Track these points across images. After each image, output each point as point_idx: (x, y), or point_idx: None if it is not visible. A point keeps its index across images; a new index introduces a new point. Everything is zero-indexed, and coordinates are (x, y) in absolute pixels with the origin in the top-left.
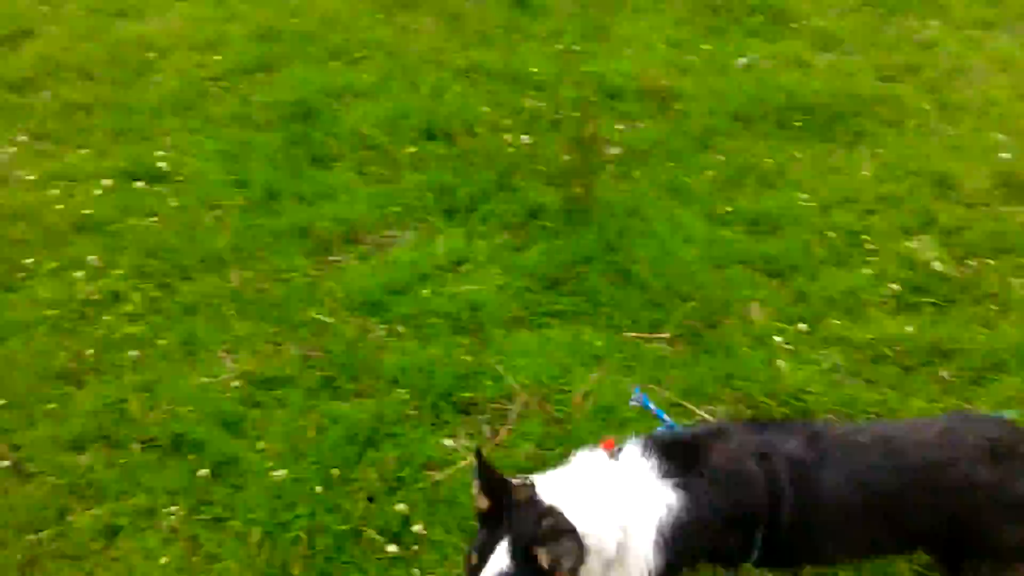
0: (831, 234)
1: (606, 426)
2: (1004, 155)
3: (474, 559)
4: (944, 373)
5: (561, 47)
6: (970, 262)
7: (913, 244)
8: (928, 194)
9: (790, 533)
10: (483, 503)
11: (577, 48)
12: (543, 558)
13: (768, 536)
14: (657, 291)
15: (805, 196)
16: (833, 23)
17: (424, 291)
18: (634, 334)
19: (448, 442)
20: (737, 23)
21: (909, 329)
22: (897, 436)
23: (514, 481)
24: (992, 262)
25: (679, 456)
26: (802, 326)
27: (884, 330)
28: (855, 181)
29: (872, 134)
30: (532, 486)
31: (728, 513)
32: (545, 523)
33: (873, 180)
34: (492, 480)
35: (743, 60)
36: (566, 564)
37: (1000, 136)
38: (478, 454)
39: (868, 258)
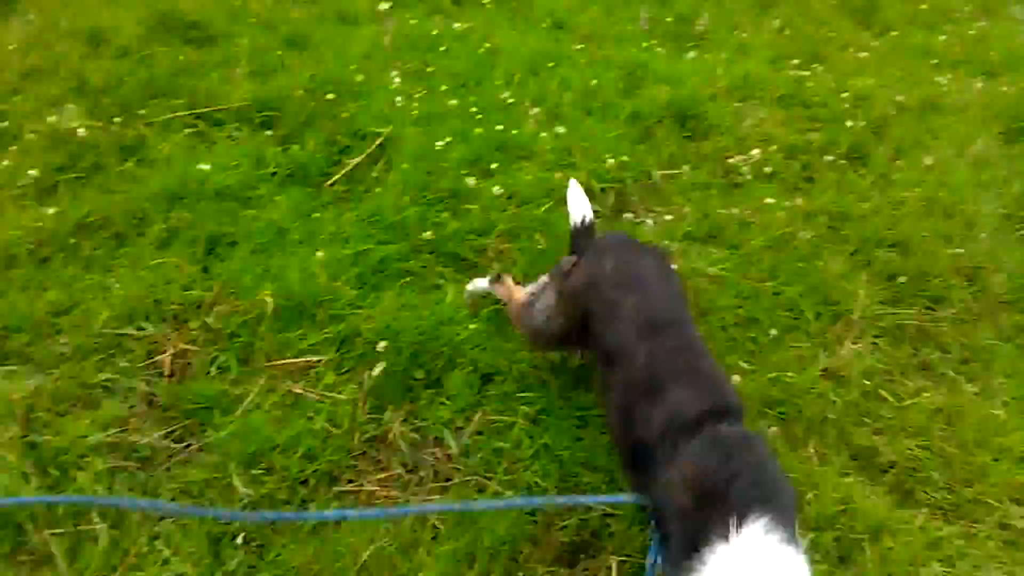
0: None
1: None
2: None
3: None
4: (84, 249)
5: None
6: (117, 119)
7: (54, 117)
8: (79, 55)
9: None
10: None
11: None
12: None
13: None
14: None
15: None
16: None
17: None
18: None
19: None
20: None
21: (55, 212)
22: None
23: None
24: (142, 112)
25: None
26: None
27: (19, 224)
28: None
29: None
30: None
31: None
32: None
33: (18, 53)
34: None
35: None
36: None
37: None
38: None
39: (10, 147)
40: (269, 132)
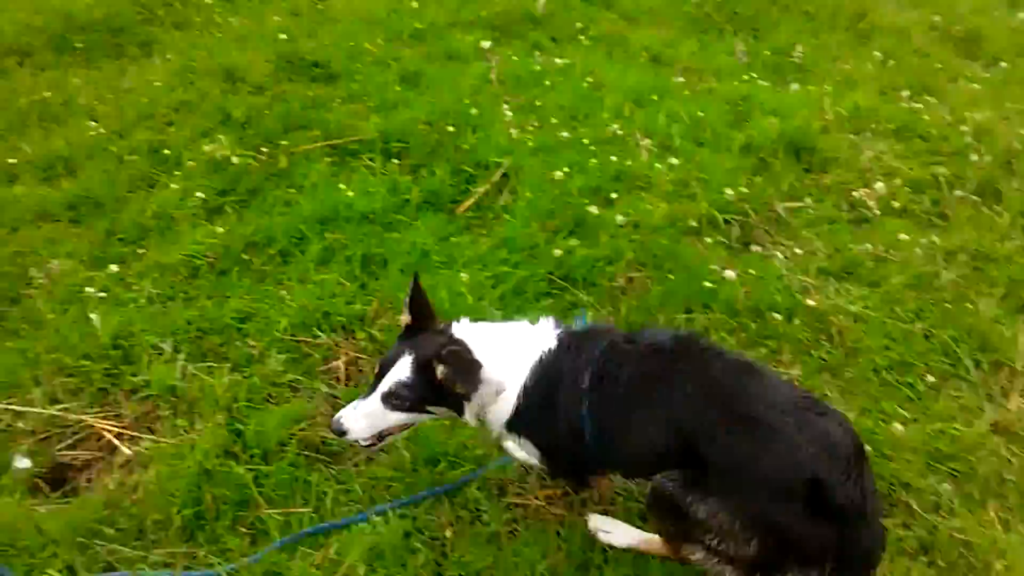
0: (133, 158)
1: None
2: (283, 36)
3: (377, 369)
4: (255, 264)
5: None
6: (264, 148)
7: (209, 147)
8: (219, 91)
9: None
10: (406, 318)
11: None
12: (439, 372)
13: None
14: None
15: (96, 124)
16: None
17: None
18: None
19: None
20: None
21: (225, 231)
22: None
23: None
24: (284, 142)
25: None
26: (114, 267)
27: (196, 241)
28: (149, 95)
29: (161, 42)
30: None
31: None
32: (450, 348)
33: (166, 89)
34: (420, 302)
35: None
36: (460, 386)
37: (279, 18)
38: (415, 277)
39: (174, 172)
40: (398, 161)
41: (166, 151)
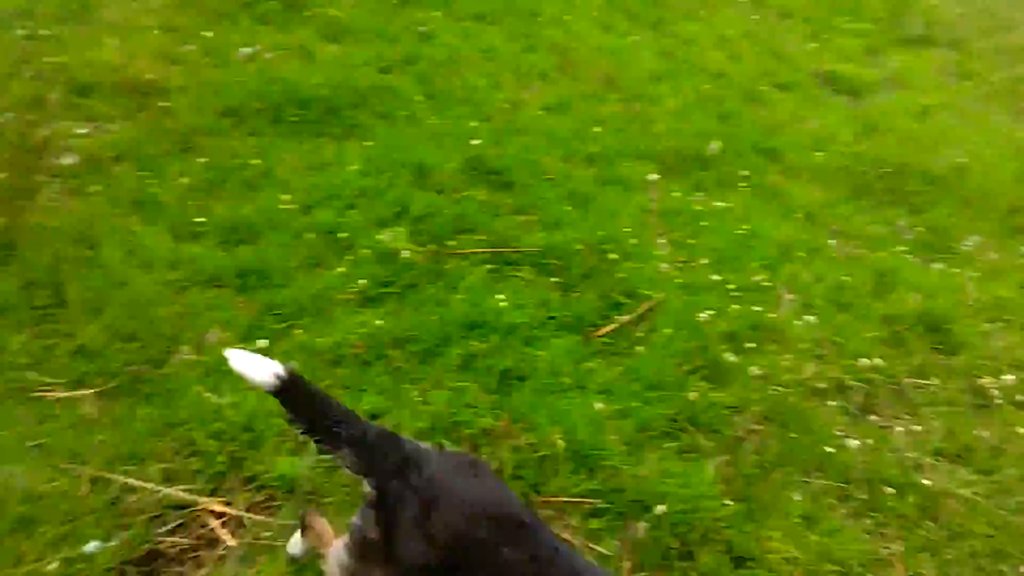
0: (310, 235)
1: None
2: (476, 141)
3: None
4: (397, 360)
5: (24, 32)
6: (432, 246)
7: (384, 236)
8: (406, 183)
9: None
10: None
11: (45, 33)
12: None
13: None
14: (95, 335)
15: (288, 197)
16: (346, 12)
17: None
18: (44, 393)
19: None
20: (247, 8)
21: (379, 323)
22: None
23: None
24: (451, 243)
25: None
26: (262, 343)
27: (348, 329)
28: (341, 176)
29: (364, 127)
30: None
31: None
32: None
33: (357, 174)
34: None
35: (246, 50)
36: None
37: (474, 123)
38: None
39: (345, 256)
40: (555, 279)
41: (342, 234)
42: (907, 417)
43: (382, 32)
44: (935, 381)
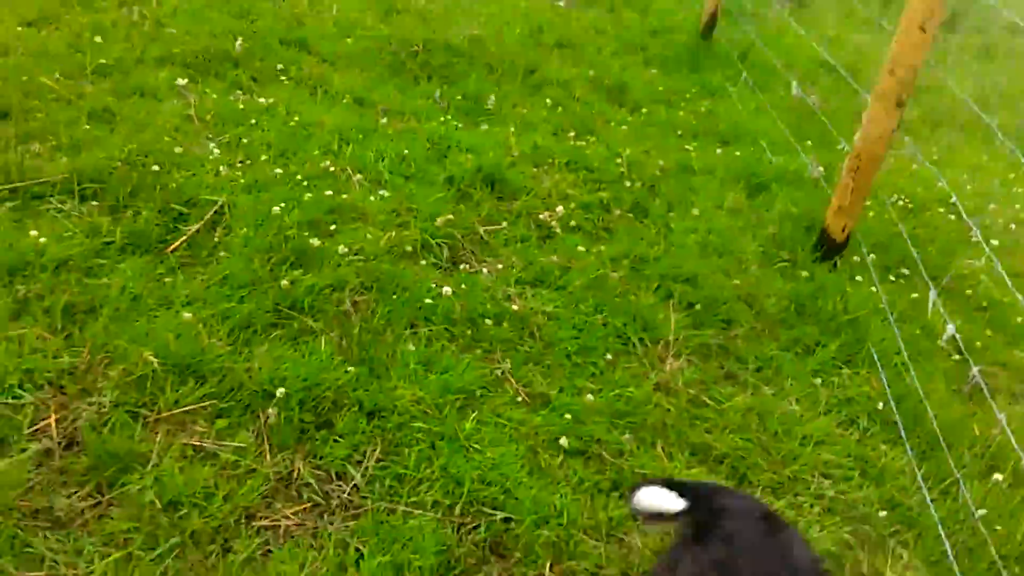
0: None
1: None
2: None
3: None
4: None
5: None
6: None
7: None
8: None
9: None
10: None
11: None
12: None
13: None
14: None
15: None
16: None
17: None
18: None
19: None
20: None
21: None
22: None
23: None
24: None
25: None
26: None
27: None
28: None
29: None
30: None
31: None
32: None
33: None
34: None
35: None
36: None
37: None
38: None
39: None
40: (96, 203)
41: None
42: (489, 259)
43: None
44: (504, 225)
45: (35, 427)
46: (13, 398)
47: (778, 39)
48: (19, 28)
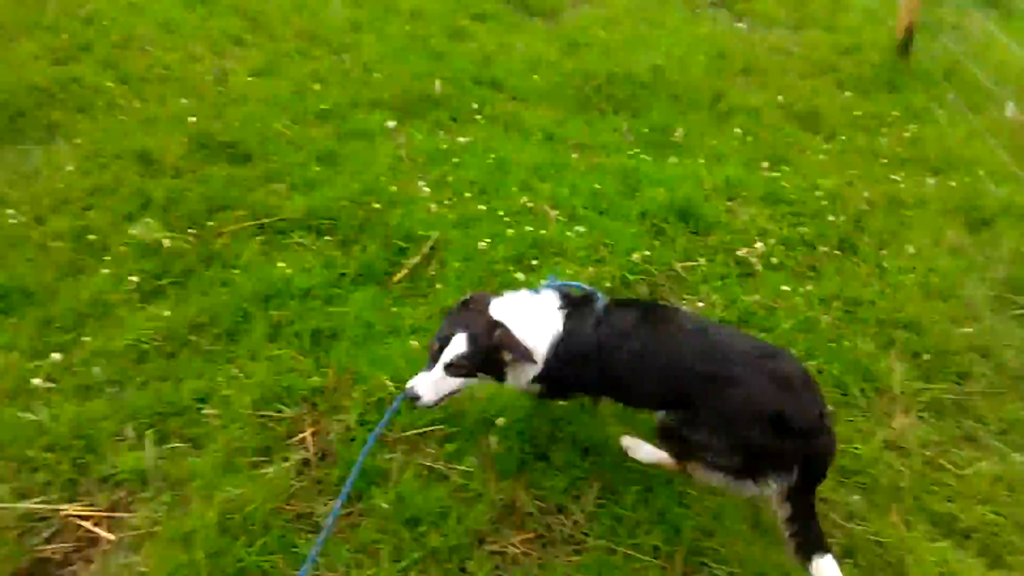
0: (56, 244)
1: None
2: (192, 118)
3: (436, 345)
4: (202, 344)
5: None
6: (193, 231)
7: (136, 230)
8: (135, 174)
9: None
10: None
11: None
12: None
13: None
14: None
15: (12, 211)
16: None
17: None
18: None
19: None
20: None
21: (167, 314)
22: None
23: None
24: (211, 224)
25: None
26: (57, 356)
27: (138, 326)
28: (61, 180)
29: (64, 125)
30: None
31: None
32: (502, 330)
33: (78, 174)
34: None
35: None
36: (513, 355)
37: (184, 100)
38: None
39: (103, 257)
40: (329, 238)
41: (91, 236)
42: (688, 296)
43: (36, 23)
44: (701, 261)
45: (291, 439)
46: (277, 411)
47: (985, 52)
48: (249, 78)
